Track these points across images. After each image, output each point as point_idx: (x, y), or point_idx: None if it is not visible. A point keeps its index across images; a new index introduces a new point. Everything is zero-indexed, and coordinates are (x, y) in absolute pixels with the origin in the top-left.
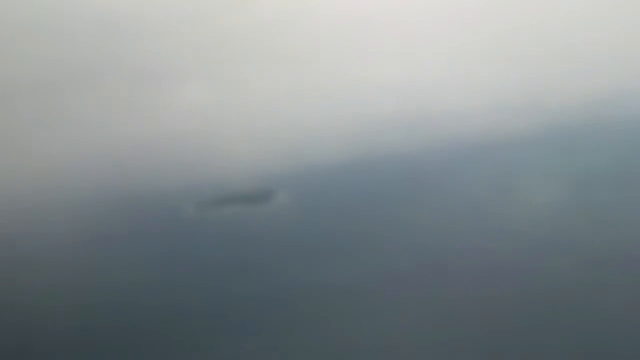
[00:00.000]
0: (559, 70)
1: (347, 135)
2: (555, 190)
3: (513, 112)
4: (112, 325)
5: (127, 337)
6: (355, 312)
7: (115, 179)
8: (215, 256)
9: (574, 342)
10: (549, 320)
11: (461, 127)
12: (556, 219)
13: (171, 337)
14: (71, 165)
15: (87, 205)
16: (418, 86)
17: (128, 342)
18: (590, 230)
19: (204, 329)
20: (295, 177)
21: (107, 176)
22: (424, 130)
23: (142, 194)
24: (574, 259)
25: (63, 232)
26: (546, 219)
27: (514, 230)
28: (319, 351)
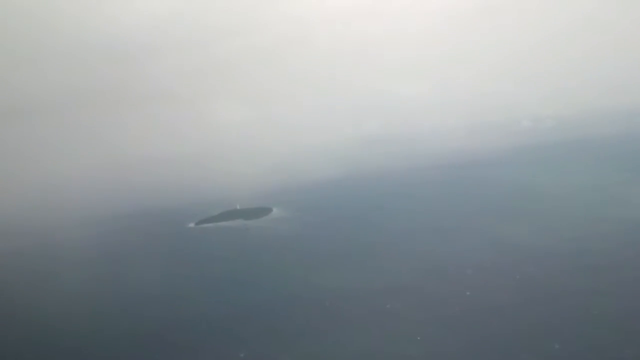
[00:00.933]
0: (534, 92)
1: (336, 154)
2: (533, 206)
3: (491, 131)
4: (117, 334)
5: (130, 345)
6: (348, 320)
7: (122, 196)
8: (215, 267)
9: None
10: (535, 324)
11: (442, 146)
12: (537, 232)
13: (175, 344)
14: (79, 183)
15: (94, 221)
16: (401, 107)
17: (131, 350)
18: (570, 242)
19: (206, 337)
20: (290, 193)
21: (113, 193)
22: (407, 149)
23: (148, 211)
24: (554, 268)
25: (73, 246)
26: (527, 232)
27: (496, 243)
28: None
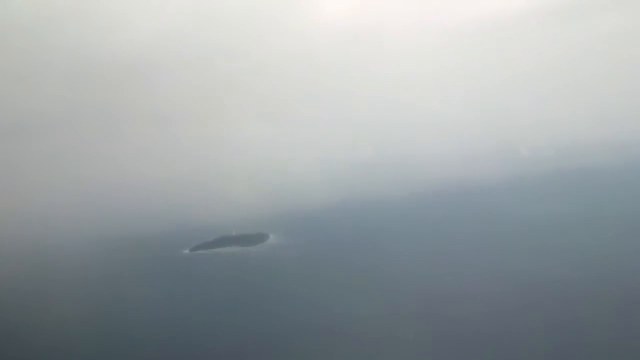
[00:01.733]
0: (533, 121)
1: (331, 179)
2: (530, 234)
3: (487, 159)
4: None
5: None
6: (344, 346)
7: (112, 218)
8: (211, 294)
9: None
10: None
11: (438, 173)
12: (532, 261)
13: None
14: (72, 204)
15: (90, 245)
16: (396, 134)
17: None
18: (567, 271)
19: None
20: (286, 219)
21: (105, 215)
22: (402, 175)
23: (138, 235)
24: (552, 296)
25: (68, 269)
26: (528, 260)
27: (500, 270)
28: None
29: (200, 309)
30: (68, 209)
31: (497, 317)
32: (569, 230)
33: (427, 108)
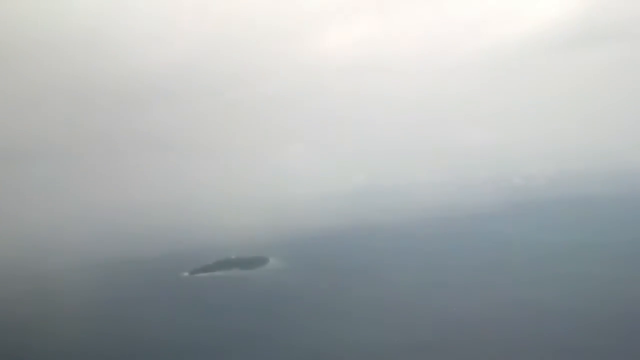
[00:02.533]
0: (526, 150)
1: (328, 204)
2: (525, 262)
3: (479, 187)
4: None
5: None
6: None
7: (119, 242)
8: (211, 317)
9: None
10: None
11: (433, 199)
12: (528, 288)
13: None
14: (74, 227)
15: (90, 268)
16: (388, 161)
17: None
18: (563, 298)
19: None
20: (284, 243)
21: (110, 240)
22: (397, 201)
23: (139, 257)
24: (548, 323)
25: (68, 292)
26: (528, 287)
27: (498, 297)
28: None
29: (200, 332)
30: (70, 232)
31: (494, 343)
32: (563, 258)
33: (425, 137)
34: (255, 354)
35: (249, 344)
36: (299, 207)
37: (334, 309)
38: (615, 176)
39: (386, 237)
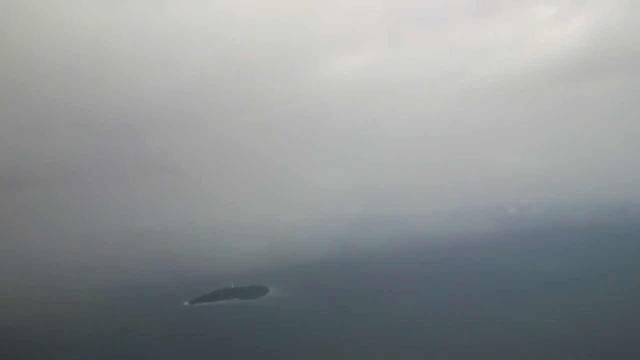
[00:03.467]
0: (521, 180)
1: (325, 234)
2: (516, 290)
3: (475, 216)
4: None
5: None
6: None
7: (119, 270)
8: (213, 347)
9: None
10: None
11: (428, 229)
12: (523, 316)
13: None
14: (74, 256)
15: (88, 296)
16: (382, 191)
17: None
18: (555, 326)
19: None
20: (283, 272)
21: (110, 268)
22: (393, 230)
23: (138, 286)
24: (542, 350)
25: (67, 320)
26: (525, 316)
27: (496, 325)
28: None
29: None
30: (69, 259)
31: None
32: (559, 286)
33: (423, 165)
34: None
35: None
36: (296, 235)
37: (336, 338)
38: (611, 206)
39: (383, 266)
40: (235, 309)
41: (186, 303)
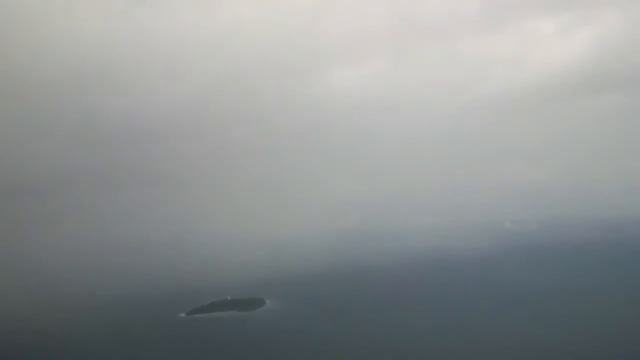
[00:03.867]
0: (517, 195)
1: (321, 246)
2: (512, 305)
3: (470, 231)
4: None
5: None
6: None
7: (115, 281)
8: (209, 359)
9: None
10: None
11: (425, 243)
12: (516, 332)
13: None
14: (70, 267)
15: (84, 307)
16: (380, 204)
17: None
18: (551, 341)
19: None
20: (279, 284)
21: (108, 278)
22: (390, 244)
23: (133, 297)
24: None
25: (63, 331)
26: (506, 330)
27: (497, 340)
28: None
29: None
30: (65, 269)
31: None
32: (555, 302)
33: (421, 179)
34: None
35: None
36: (293, 247)
37: (334, 351)
38: (607, 222)
39: (381, 279)
40: (232, 320)
41: (183, 314)
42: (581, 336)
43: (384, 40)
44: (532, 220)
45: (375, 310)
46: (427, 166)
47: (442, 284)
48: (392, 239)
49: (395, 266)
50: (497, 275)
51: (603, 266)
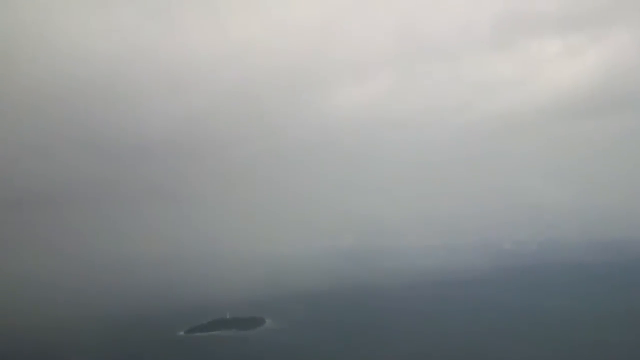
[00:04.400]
0: (518, 217)
1: (320, 266)
2: (510, 326)
3: (469, 251)
4: None
5: None
6: None
7: (105, 297)
8: None
9: None
10: None
11: (424, 263)
12: (515, 353)
13: None
14: (72, 281)
15: (85, 324)
16: (380, 223)
17: None
18: None
19: None
20: (279, 303)
21: (107, 294)
22: (390, 264)
23: (132, 314)
24: None
25: (63, 348)
26: (504, 350)
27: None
28: None
29: None
30: (64, 285)
31: None
32: (554, 323)
33: (420, 199)
34: None
35: None
36: (292, 266)
37: None
38: (605, 244)
39: (380, 299)
40: (232, 339)
41: (182, 333)
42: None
43: (391, 59)
44: (532, 241)
45: (375, 330)
46: (428, 185)
47: (439, 304)
48: (393, 259)
49: (395, 286)
50: (496, 295)
51: (602, 288)
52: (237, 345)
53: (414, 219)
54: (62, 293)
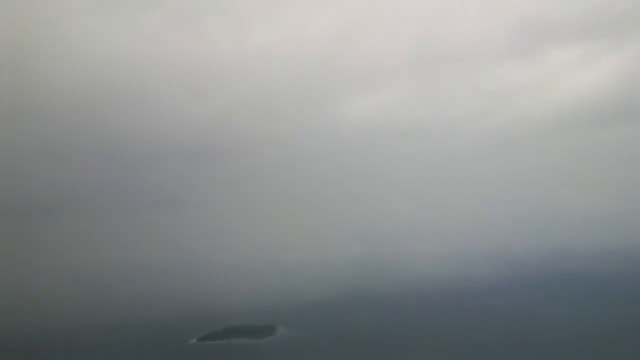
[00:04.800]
0: (520, 226)
1: (331, 274)
2: (518, 337)
3: (478, 261)
4: None
5: None
6: None
7: (117, 305)
8: None
9: None
10: None
11: (429, 273)
12: None
13: None
14: (74, 289)
15: (94, 332)
16: (391, 233)
17: None
18: None
19: None
20: (289, 311)
21: (116, 302)
22: (394, 273)
23: (142, 322)
24: None
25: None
26: None
27: None
28: None
29: None
30: (74, 293)
31: None
32: (558, 332)
33: (430, 208)
34: None
35: None
36: (303, 275)
37: None
38: (612, 253)
39: (389, 308)
40: (244, 348)
41: (193, 341)
42: None
43: (405, 67)
44: (537, 250)
45: (385, 338)
46: (441, 194)
47: (451, 313)
48: (397, 268)
49: (407, 294)
50: (500, 305)
51: (612, 298)
52: (249, 353)
53: (426, 228)
54: (72, 302)
